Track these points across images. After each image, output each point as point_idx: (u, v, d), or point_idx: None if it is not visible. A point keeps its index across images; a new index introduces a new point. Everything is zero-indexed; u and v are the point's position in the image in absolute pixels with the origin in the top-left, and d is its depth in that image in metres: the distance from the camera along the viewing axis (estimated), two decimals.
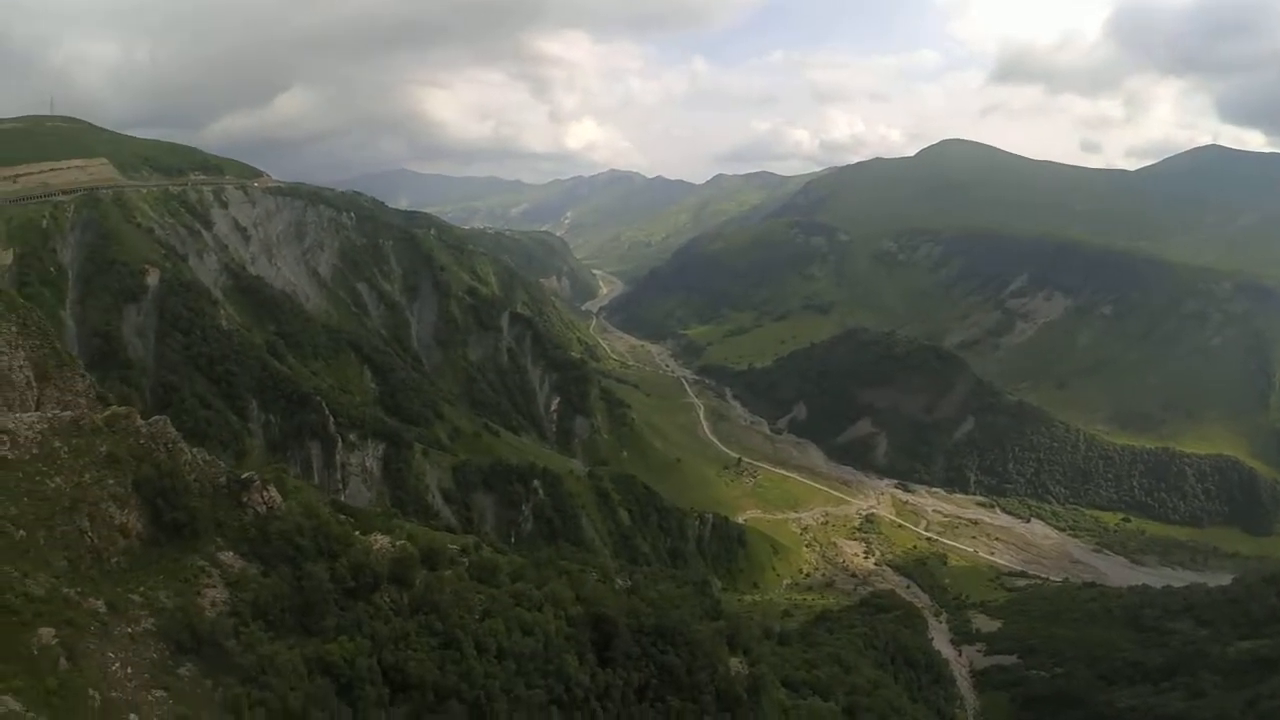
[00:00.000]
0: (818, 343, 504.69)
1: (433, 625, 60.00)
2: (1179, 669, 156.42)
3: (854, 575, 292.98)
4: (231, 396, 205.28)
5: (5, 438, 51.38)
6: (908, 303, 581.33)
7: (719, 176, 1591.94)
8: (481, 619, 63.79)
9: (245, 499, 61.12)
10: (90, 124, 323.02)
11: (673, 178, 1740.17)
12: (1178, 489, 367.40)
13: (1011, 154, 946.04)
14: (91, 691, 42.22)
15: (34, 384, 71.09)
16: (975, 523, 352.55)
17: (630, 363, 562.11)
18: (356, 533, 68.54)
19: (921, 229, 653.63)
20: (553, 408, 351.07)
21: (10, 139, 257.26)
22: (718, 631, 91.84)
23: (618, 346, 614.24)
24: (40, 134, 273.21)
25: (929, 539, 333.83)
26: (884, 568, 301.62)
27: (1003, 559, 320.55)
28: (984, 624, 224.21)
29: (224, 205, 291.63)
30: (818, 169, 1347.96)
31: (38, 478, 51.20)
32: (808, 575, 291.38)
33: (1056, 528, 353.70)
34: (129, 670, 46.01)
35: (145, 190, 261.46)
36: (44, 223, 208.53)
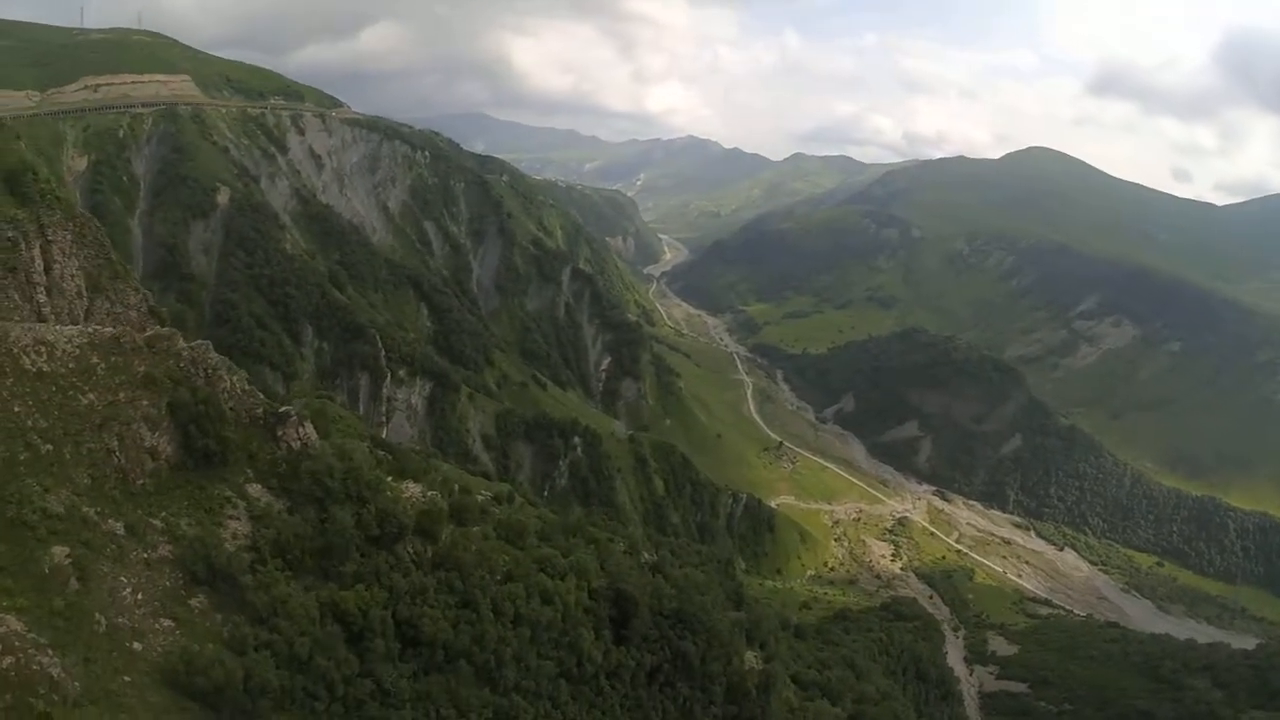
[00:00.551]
0: (876, 336, 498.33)
1: (452, 583, 59.03)
2: None
3: (878, 576, 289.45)
4: (288, 320, 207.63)
5: (43, 349, 50.74)
6: (972, 309, 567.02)
7: (797, 155, 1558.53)
8: (503, 582, 62.83)
9: (280, 433, 60.27)
10: (175, 40, 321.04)
11: (750, 151, 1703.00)
12: (1217, 541, 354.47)
13: (1098, 170, 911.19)
14: (98, 616, 41.81)
15: (85, 293, 70.89)
16: (1008, 542, 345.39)
17: (685, 332, 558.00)
18: (389, 478, 67.60)
19: (996, 235, 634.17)
20: (602, 367, 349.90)
21: (96, 49, 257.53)
22: (737, 623, 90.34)
23: (674, 314, 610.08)
24: (125, 47, 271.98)
25: (959, 551, 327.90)
26: (909, 574, 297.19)
27: (1029, 583, 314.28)
28: (1000, 647, 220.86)
29: (301, 132, 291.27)
30: (897, 159, 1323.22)
31: (71, 392, 50.52)
32: (832, 569, 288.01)
33: (1089, 560, 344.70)
34: (140, 597, 45.55)
35: (224, 110, 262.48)
36: (121, 133, 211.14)
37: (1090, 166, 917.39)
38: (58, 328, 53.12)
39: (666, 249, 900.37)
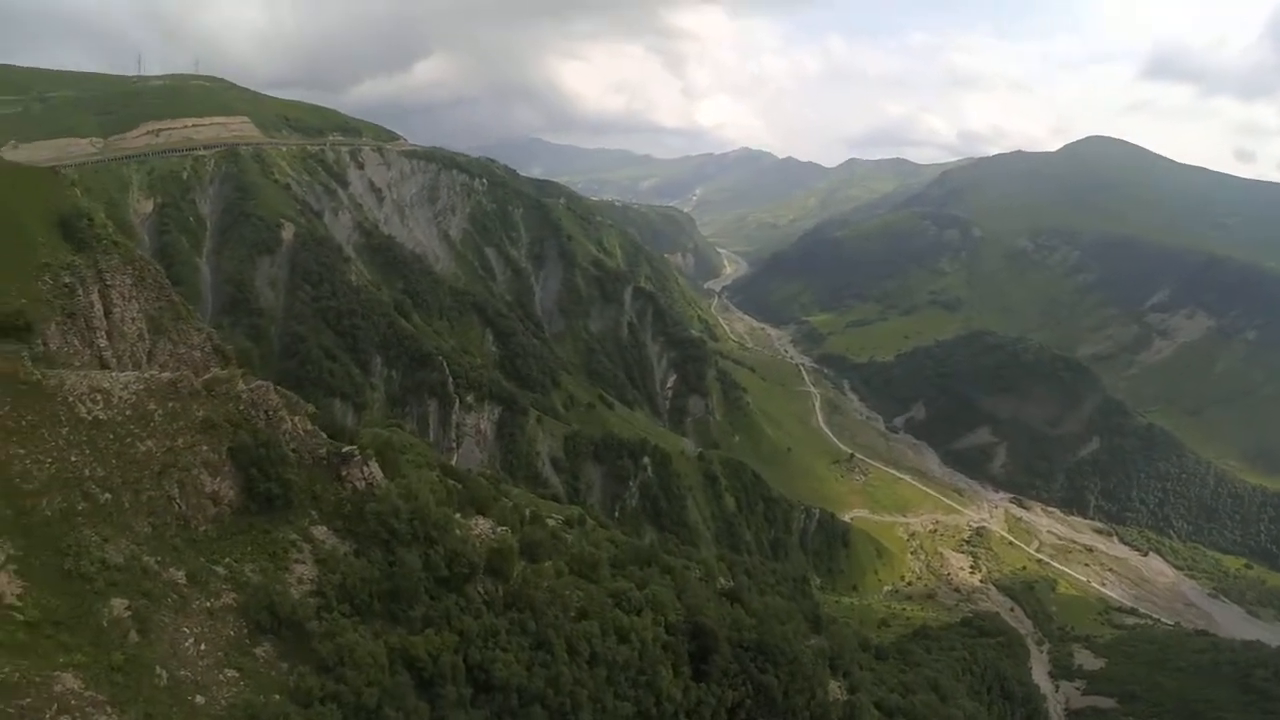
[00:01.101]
0: (942, 341, 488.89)
1: (525, 624, 56.33)
2: None
3: (957, 590, 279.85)
4: (356, 350, 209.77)
5: (99, 397, 49.24)
6: (1040, 307, 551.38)
7: (851, 161, 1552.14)
8: (577, 619, 60.04)
9: (344, 473, 58.22)
10: (233, 83, 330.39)
11: (804, 159, 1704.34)
12: None
13: (1159, 156, 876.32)
14: (159, 669, 39.84)
15: (146, 336, 70.01)
16: (1090, 549, 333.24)
17: (749, 345, 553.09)
18: (457, 514, 65.30)
19: (1059, 229, 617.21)
20: (668, 385, 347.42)
21: (156, 95, 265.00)
22: (819, 652, 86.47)
23: (737, 328, 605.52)
24: (185, 91, 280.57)
25: (1039, 561, 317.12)
26: (989, 586, 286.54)
27: (1114, 592, 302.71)
28: (1086, 660, 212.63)
29: (360, 166, 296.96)
30: (953, 159, 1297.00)
31: (129, 440, 48.91)
32: (909, 584, 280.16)
33: (1174, 565, 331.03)
34: (202, 648, 43.56)
35: (284, 148, 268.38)
36: (184, 175, 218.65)
37: (1150, 153, 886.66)
38: (114, 374, 51.64)
39: (726, 263, 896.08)
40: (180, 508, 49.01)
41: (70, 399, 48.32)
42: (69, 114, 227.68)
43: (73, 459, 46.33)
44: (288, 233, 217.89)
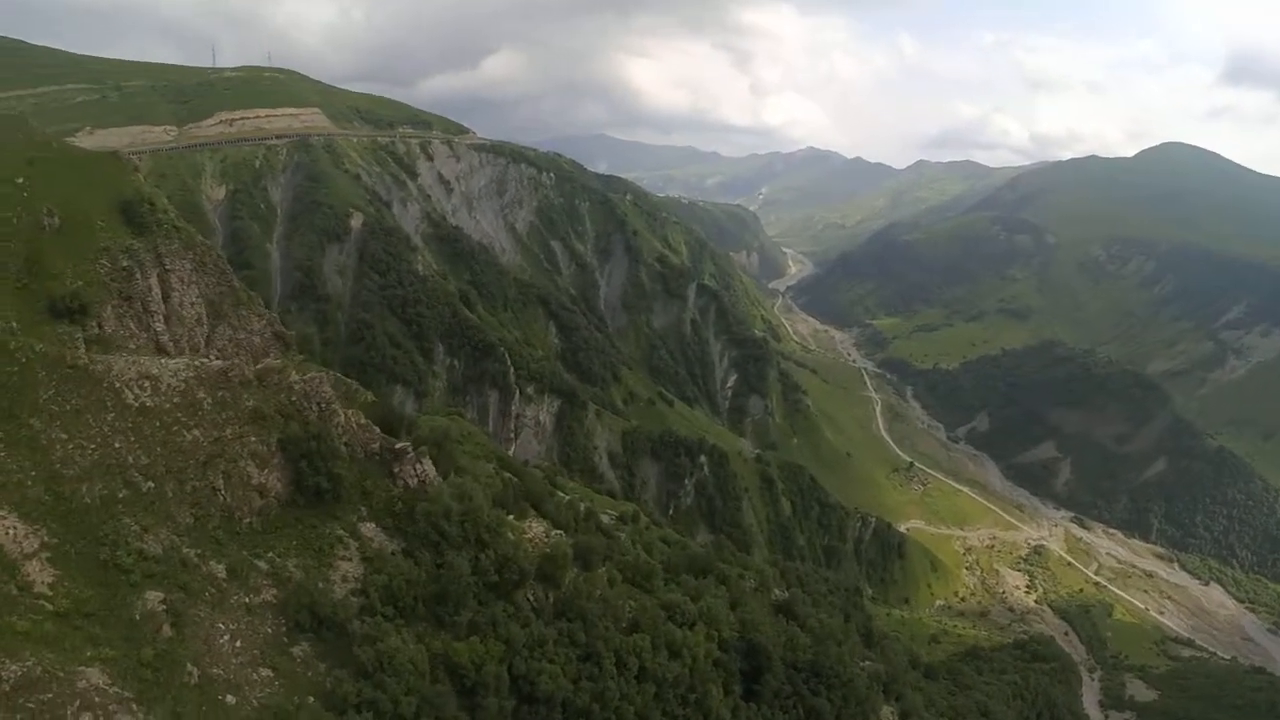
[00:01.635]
0: (1010, 350, 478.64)
1: (574, 635, 53.94)
2: None
3: (1011, 610, 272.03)
4: (420, 338, 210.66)
5: (147, 383, 47.81)
6: (1112, 319, 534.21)
7: (920, 162, 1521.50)
8: (628, 632, 57.58)
9: (397, 470, 56.52)
10: (305, 76, 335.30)
11: (872, 160, 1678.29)
12: None
13: (1239, 165, 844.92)
14: (190, 666, 38.37)
15: (205, 321, 68.83)
16: (1150, 575, 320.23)
17: (811, 347, 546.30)
18: (510, 516, 63.20)
19: (1134, 239, 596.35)
20: (729, 384, 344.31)
21: (229, 86, 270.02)
22: (874, 676, 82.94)
23: (800, 329, 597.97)
24: (258, 83, 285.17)
25: (1097, 584, 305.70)
26: (1044, 607, 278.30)
27: (1171, 621, 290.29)
28: (1139, 691, 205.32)
29: (429, 158, 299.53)
30: (1026, 162, 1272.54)
31: (175, 428, 47.41)
32: (963, 600, 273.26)
33: (1235, 597, 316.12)
34: (238, 645, 41.97)
35: (355, 139, 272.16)
36: (257, 163, 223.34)
37: (1230, 161, 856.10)
38: (163, 361, 50.28)
39: (791, 263, 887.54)
40: (225, 499, 47.50)
41: (117, 384, 46.94)
42: (144, 103, 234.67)
43: (116, 445, 44.99)
44: (356, 221, 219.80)
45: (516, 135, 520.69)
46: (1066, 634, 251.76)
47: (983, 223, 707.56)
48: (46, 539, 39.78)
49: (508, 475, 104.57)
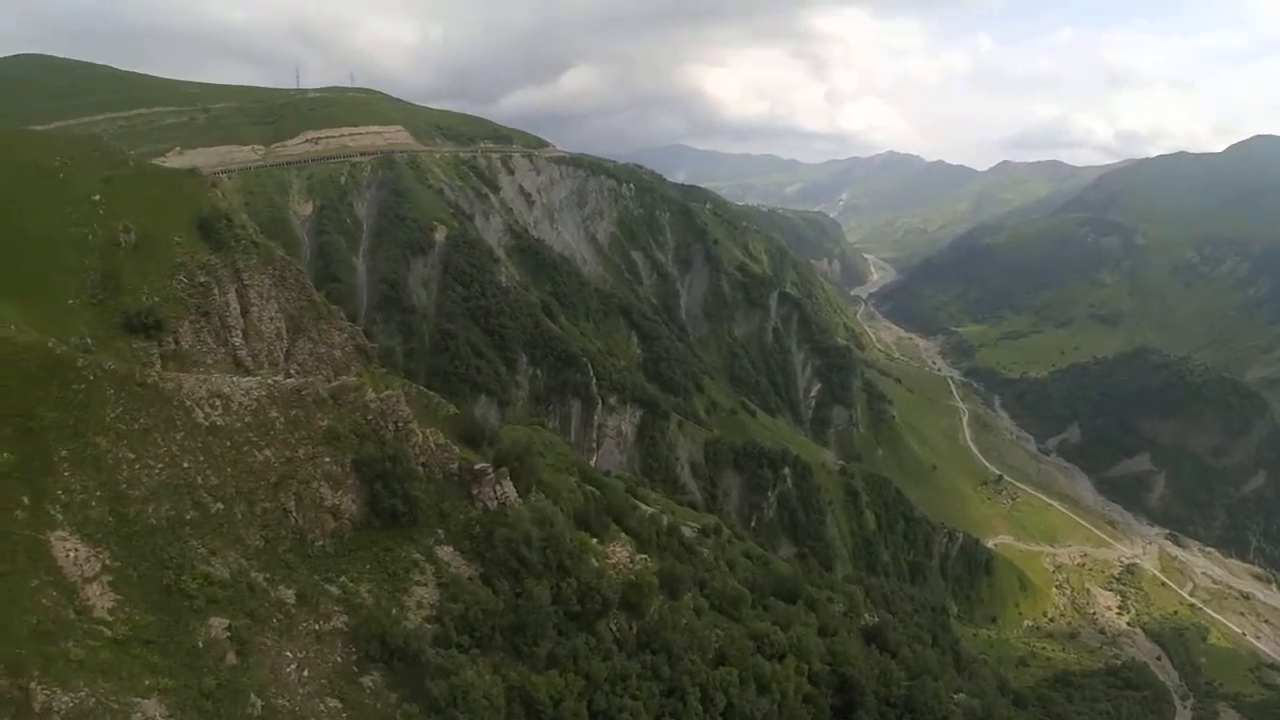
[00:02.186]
0: (1101, 358, 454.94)
1: (658, 668, 50.95)
2: None
3: (1102, 631, 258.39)
4: (503, 349, 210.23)
5: (218, 402, 46.15)
6: (1206, 324, 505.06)
7: (1003, 163, 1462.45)
8: (715, 665, 54.26)
9: (476, 491, 54.30)
10: (387, 95, 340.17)
11: (953, 163, 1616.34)
12: None
13: None
14: (254, 697, 37.04)
15: (285, 335, 67.85)
16: (1247, 597, 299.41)
17: (895, 355, 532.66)
18: (594, 540, 60.21)
19: (1227, 238, 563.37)
20: (812, 394, 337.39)
21: (314, 106, 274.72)
22: (969, 713, 77.84)
23: (884, 337, 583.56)
24: (342, 103, 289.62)
25: (1192, 606, 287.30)
26: (1136, 630, 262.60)
27: (1268, 646, 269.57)
28: None
29: (511, 172, 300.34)
30: (1111, 161, 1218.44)
31: (246, 448, 45.86)
32: (1052, 620, 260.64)
33: None
34: (305, 674, 40.50)
35: (438, 155, 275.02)
36: (342, 179, 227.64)
37: None
38: (234, 379, 48.63)
39: (873, 269, 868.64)
40: (296, 521, 45.89)
41: (187, 403, 45.43)
42: (231, 124, 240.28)
43: (185, 465, 43.70)
44: (440, 235, 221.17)
45: (595, 148, 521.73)
46: (1159, 659, 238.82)
47: (1069, 225, 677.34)
48: (108, 562, 38.71)
49: (590, 489, 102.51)
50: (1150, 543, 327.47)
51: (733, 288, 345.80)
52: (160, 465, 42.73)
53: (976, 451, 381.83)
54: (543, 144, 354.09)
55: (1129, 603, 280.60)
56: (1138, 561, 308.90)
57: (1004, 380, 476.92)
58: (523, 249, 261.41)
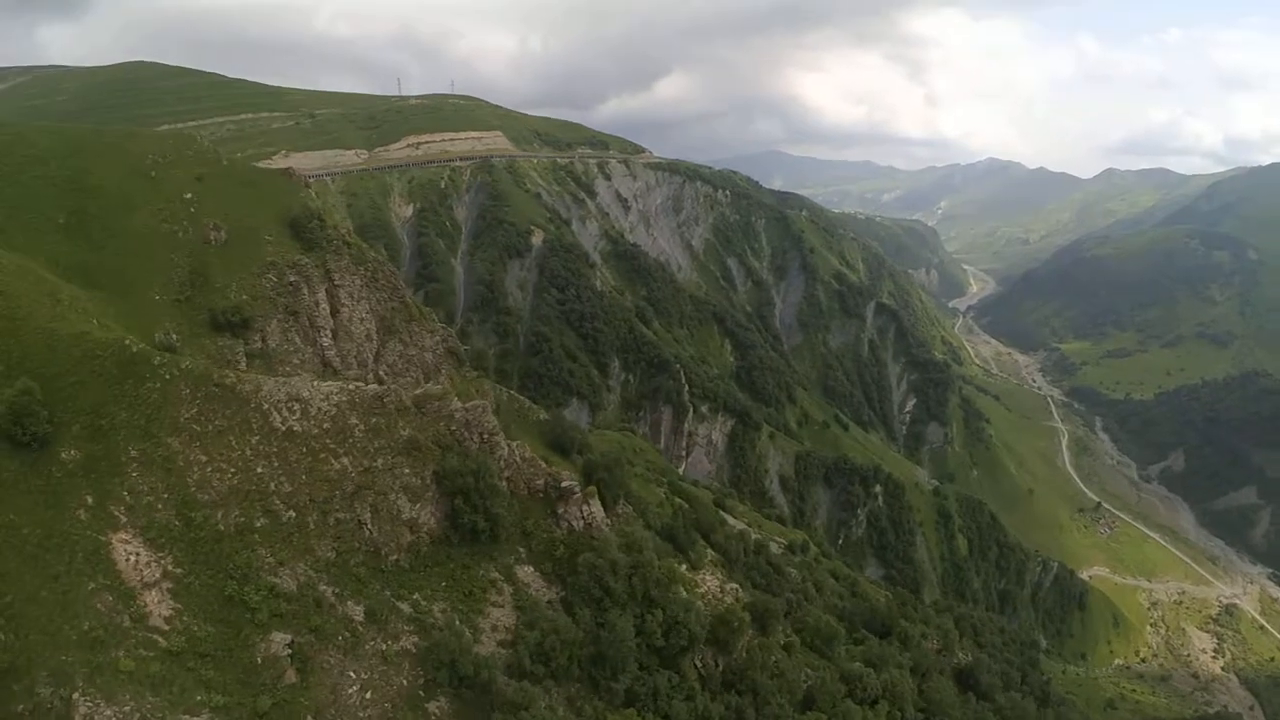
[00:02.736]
0: (1209, 381, 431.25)
1: (743, 711, 47.51)
2: None
3: (1195, 676, 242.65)
4: (596, 353, 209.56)
5: (296, 406, 43.92)
6: None
7: (1108, 171, 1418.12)
8: (804, 708, 50.31)
9: (561, 510, 51.53)
10: (486, 102, 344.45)
11: (1056, 170, 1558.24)
12: None
13: None
14: (310, 719, 34.96)
15: (375, 336, 66.28)
16: None
17: (993, 371, 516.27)
18: (683, 567, 56.68)
19: None
20: (907, 409, 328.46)
21: (416, 113, 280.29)
22: None
23: (982, 351, 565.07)
24: (442, 109, 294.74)
25: None
26: (1231, 676, 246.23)
27: None
28: None
29: (607, 177, 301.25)
30: (1222, 168, 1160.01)
31: (323, 455, 43.65)
32: (1144, 660, 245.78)
33: None
34: (368, 696, 38.09)
35: (535, 160, 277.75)
36: (442, 183, 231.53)
37: None
38: (315, 383, 46.37)
39: (972, 280, 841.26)
40: (371, 534, 43.50)
41: (265, 406, 43.40)
42: (336, 128, 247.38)
43: (258, 471, 41.86)
44: (537, 238, 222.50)
45: (691, 154, 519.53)
46: (1252, 708, 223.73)
47: (1177, 237, 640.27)
48: (170, 568, 37.16)
49: (679, 501, 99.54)
50: (1252, 582, 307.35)
51: (828, 297, 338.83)
52: (232, 469, 40.90)
53: (1075, 476, 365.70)
54: (639, 150, 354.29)
55: (1225, 646, 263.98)
56: (1237, 602, 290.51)
57: (1106, 401, 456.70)
58: (618, 254, 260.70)
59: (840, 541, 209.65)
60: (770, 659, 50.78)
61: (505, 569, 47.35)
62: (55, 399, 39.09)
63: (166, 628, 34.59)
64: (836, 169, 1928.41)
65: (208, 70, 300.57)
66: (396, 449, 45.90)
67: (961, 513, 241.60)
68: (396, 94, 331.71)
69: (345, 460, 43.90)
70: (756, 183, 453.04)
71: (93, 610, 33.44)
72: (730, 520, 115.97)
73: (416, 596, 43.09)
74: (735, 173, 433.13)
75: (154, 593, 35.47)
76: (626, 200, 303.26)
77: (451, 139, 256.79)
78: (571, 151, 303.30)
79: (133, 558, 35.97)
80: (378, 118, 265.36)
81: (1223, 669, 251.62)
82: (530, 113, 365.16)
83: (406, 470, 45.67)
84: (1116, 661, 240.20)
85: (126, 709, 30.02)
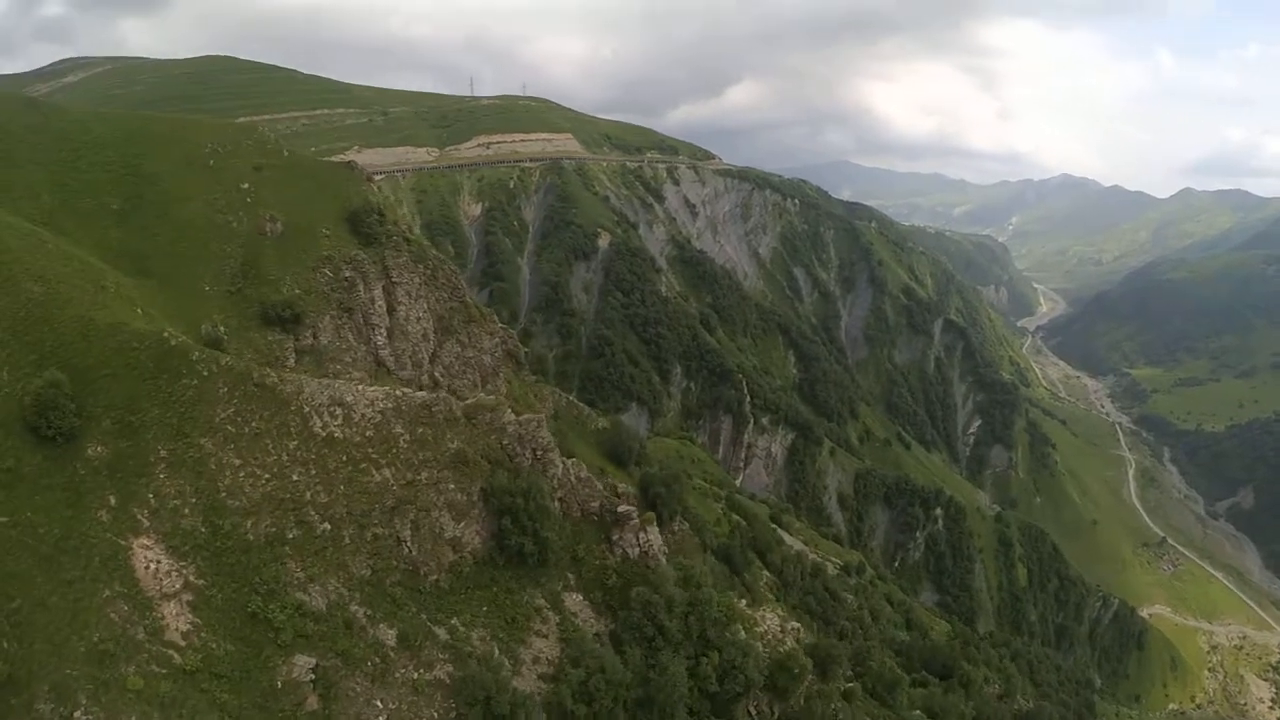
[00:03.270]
0: None
1: None
2: None
3: None
4: (659, 358, 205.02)
5: (339, 411, 41.02)
6: None
7: (1185, 191, 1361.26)
8: None
9: (616, 537, 48.04)
10: (557, 104, 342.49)
11: (1131, 188, 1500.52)
12: None
13: None
14: None
15: (431, 336, 63.30)
16: None
17: (1061, 395, 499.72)
18: (742, 602, 52.68)
19: None
20: (971, 430, 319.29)
21: (487, 113, 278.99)
22: None
23: (1050, 374, 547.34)
24: (513, 111, 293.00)
25: None
26: None
27: None
28: None
29: (676, 182, 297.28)
30: None
31: (363, 465, 40.83)
32: (1199, 706, 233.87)
33: None
34: None
35: (605, 163, 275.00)
36: (511, 183, 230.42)
37: None
38: (360, 387, 43.52)
39: (1042, 300, 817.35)
40: (410, 551, 40.49)
41: (306, 409, 40.58)
42: (408, 126, 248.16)
43: (294, 478, 39.09)
44: (604, 241, 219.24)
45: (761, 162, 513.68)
46: None
47: (1255, 262, 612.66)
48: (192, 578, 34.54)
49: (736, 518, 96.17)
50: None
51: (896, 311, 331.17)
52: (267, 475, 38.19)
53: (1140, 508, 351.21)
54: (708, 156, 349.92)
55: None
56: None
57: (1176, 431, 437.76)
58: (684, 260, 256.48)
59: (896, 564, 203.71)
60: (830, 707, 46.74)
61: (552, 596, 44.03)
62: (86, 391, 36.78)
63: (183, 643, 32.07)
64: (906, 181, 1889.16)
65: (285, 66, 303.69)
66: (443, 462, 42.92)
67: (1023, 541, 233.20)
68: (469, 94, 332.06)
69: (387, 471, 40.95)
70: (826, 193, 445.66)
71: (105, 620, 31.07)
72: (787, 539, 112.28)
73: (454, 621, 39.97)
74: (804, 182, 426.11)
75: (173, 604, 32.95)
76: (694, 206, 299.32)
77: (522, 140, 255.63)
78: (641, 156, 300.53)
79: (153, 565, 33.47)
80: (449, 117, 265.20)
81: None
82: (601, 117, 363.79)
83: (452, 485, 42.68)
84: (1171, 706, 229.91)
85: None
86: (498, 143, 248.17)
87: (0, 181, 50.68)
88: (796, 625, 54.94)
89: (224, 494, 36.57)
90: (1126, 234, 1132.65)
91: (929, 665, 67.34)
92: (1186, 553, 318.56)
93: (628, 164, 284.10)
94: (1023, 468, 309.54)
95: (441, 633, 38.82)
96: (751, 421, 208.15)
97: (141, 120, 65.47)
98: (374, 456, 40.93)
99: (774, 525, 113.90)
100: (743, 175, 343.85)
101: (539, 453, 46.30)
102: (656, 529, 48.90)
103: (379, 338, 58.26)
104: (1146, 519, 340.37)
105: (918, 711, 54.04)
